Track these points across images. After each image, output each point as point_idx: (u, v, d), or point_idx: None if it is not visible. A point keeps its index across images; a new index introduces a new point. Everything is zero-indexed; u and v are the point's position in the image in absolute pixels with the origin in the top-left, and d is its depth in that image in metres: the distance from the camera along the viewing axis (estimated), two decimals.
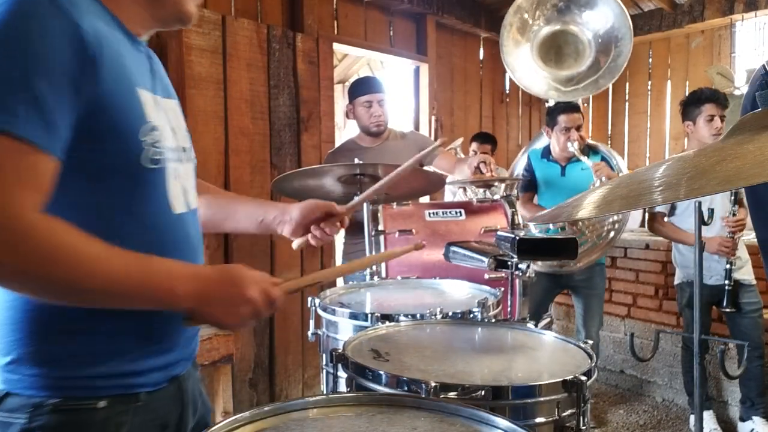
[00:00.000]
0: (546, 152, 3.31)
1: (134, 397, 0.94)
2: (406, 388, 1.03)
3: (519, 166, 3.65)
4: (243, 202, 1.38)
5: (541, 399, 1.04)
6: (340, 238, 3.19)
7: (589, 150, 3.19)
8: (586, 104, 3.69)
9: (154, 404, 0.97)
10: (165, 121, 0.99)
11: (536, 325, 1.43)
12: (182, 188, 1.02)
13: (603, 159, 3.13)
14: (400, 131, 3.02)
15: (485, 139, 4.36)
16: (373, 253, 2.22)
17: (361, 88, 2.87)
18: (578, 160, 3.11)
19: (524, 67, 3.45)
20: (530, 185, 3.32)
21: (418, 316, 1.52)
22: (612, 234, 3.10)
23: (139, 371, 0.95)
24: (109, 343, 0.92)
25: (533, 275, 1.74)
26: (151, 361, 0.96)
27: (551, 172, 3.26)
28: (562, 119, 3.13)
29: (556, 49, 3.42)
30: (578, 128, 3.11)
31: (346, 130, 5.93)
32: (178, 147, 1.02)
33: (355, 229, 2.82)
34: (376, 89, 2.85)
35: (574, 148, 3.05)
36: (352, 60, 6.30)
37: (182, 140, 1.06)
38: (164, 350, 0.99)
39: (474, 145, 4.30)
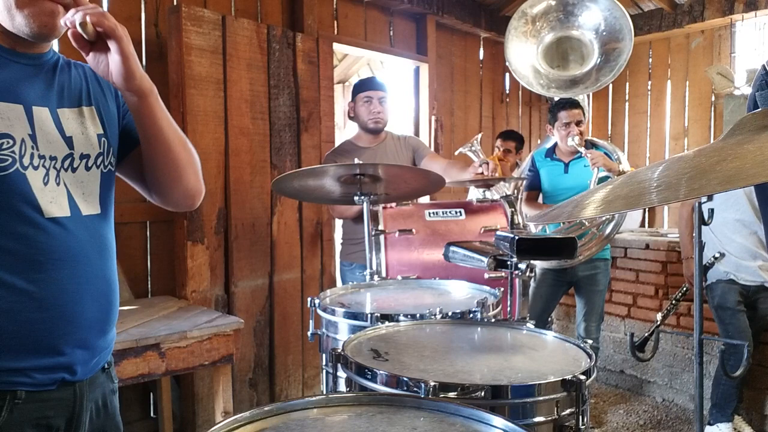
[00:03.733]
0: (550, 151, 3.36)
1: (12, 394, 1.00)
2: (405, 388, 1.03)
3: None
4: None
5: (541, 398, 1.05)
6: (339, 239, 3.19)
7: (592, 146, 3.22)
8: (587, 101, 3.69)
9: (38, 404, 1.03)
10: (44, 128, 1.04)
11: (544, 326, 1.43)
12: (66, 193, 1.06)
13: (605, 154, 3.15)
14: (397, 134, 3.03)
15: (509, 136, 4.38)
16: (373, 253, 2.22)
17: (363, 85, 2.92)
18: (581, 157, 3.14)
19: (526, 66, 3.46)
20: (534, 184, 3.36)
21: (418, 316, 1.52)
22: (609, 229, 3.10)
23: (18, 369, 1.00)
24: None
25: (534, 274, 1.74)
26: (33, 362, 1.02)
27: (555, 170, 3.30)
28: (562, 115, 3.19)
29: (561, 54, 3.44)
30: (578, 123, 3.16)
31: (346, 130, 5.93)
32: (68, 154, 1.07)
33: (354, 230, 2.83)
34: (377, 87, 2.89)
35: (574, 142, 3.09)
36: (352, 60, 6.30)
37: (83, 147, 1.11)
38: (49, 353, 1.03)
39: (498, 142, 4.34)
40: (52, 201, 1.03)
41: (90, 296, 1.08)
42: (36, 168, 1.02)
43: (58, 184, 1.05)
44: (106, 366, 1.19)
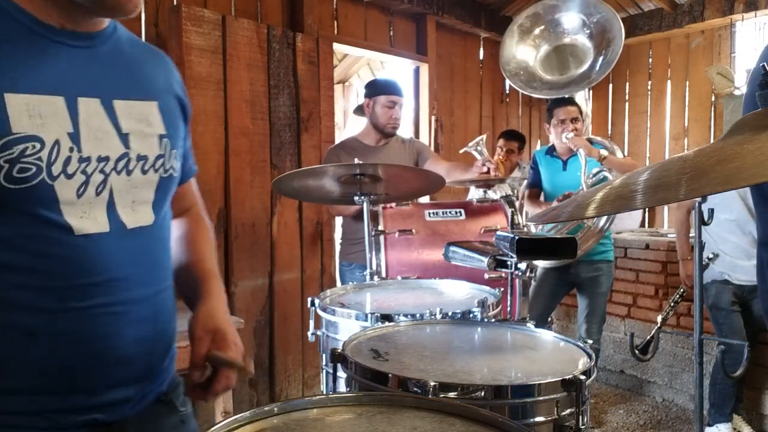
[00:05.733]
0: (550, 149, 3.39)
1: None
2: (405, 388, 1.03)
3: None
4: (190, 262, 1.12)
5: (540, 398, 1.05)
6: (339, 239, 3.19)
7: (589, 143, 3.22)
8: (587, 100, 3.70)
9: None
10: (91, 123, 0.87)
11: (545, 326, 1.43)
12: (107, 203, 0.88)
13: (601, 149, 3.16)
14: (402, 137, 3.03)
15: (511, 136, 4.40)
16: (373, 253, 2.22)
17: (388, 87, 2.89)
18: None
19: (520, 69, 3.48)
20: (536, 181, 3.39)
21: (418, 316, 1.52)
22: (603, 221, 3.10)
23: (34, 411, 0.84)
24: None
25: (535, 274, 1.75)
26: (53, 404, 0.85)
27: (553, 168, 3.32)
28: (558, 112, 3.22)
29: (562, 62, 3.46)
30: (573, 120, 3.17)
31: (346, 130, 5.93)
32: (123, 153, 0.90)
33: (354, 230, 2.83)
34: (400, 93, 2.90)
35: (568, 138, 3.10)
36: (352, 60, 6.30)
37: (140, 147, 0.93)
38: (72, 393, 0.87)
39: (501, 142, 4.36)
40: (84, 215, 0.85)
41: (131, 327, 0.91)
42: (70, 176, 0.83)
43: (98, 194, 0.87)
44: (162, 397, 1.00)
